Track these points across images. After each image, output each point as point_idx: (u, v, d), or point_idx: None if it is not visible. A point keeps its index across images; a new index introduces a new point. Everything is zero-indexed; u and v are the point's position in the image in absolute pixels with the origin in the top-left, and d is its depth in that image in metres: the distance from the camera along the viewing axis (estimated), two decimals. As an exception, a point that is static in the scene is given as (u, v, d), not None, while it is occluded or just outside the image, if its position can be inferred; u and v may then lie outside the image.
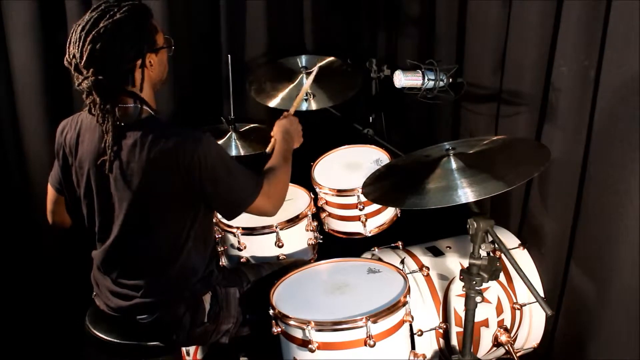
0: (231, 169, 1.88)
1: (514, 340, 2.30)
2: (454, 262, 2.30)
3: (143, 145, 1.79)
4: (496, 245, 1.88)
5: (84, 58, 1.75)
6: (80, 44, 1.75)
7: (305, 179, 2.52)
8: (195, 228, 1.92)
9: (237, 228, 2.31)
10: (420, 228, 2.58)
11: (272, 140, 2.24)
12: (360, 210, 2.35)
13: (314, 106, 2.62)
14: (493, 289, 2.24)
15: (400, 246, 2.42)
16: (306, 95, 2.59)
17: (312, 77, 2.45)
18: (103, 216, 1.91)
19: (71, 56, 1.79)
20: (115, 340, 2.00)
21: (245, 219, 2.31)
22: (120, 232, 1.89)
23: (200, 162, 1.79)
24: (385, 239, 2.45)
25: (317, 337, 1.83)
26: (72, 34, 1.79)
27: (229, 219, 2.05)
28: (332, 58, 2.81)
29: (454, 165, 1.86)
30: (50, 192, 2.08)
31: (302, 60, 2.81)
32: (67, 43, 1.80)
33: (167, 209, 1.86)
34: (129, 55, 1.79)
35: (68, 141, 1.93)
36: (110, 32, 1.74)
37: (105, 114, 1.79)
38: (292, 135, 2.23)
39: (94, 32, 1.74)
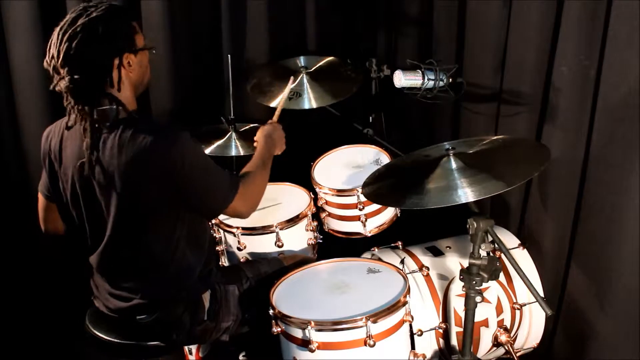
0: (208, 169, 1.86)
1: (514, 340, 2.30)
2: (454, 262, 2.30)
3: (120, 147, 1.78)
4: (496, 245, 1.87)
5: (61, 57, 1.74)
6: (58, 43, 1.76)
7: (305, 179, 2.52)
8: (186, 227, 1.91)
9: (237, 228, 2.31)
10: (420, 228, 2.58)
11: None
12: (360, 210, 2.35)
13: (314, 105, 2.62)
14: (493, 289, 2.24)
15: (400, 246, 2.42)
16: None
17: (289, 86, 2.42)
18: (92, 221, 1.91)
19: (50, 57, 1.78)
20: (116, 340, 2.00)
21: (245, 219, 2.31)
22: (111, 235, 1.89)
23: (176, 161, 1.77)
24: (385, 239, 2.46)
25: (317, 337, 1.83)
26: (53, 35, 1.79)
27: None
28: (331, 58, 2.81)
29: (454, 165, 1.86)
30: (40, 199, 2.07)
31: (302, 60, 2.81)
32: (48, 45, 1.80)
33: (153, 210, 1.85)
34: (104, 53, 1.78)
35: (53, 147, 1.92)
36: (85, 30, 1.75)
37: (82, 115, 1.78)
38: (274, 142, 2.20)
39: (70, 31, 1.75)
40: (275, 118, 2.33)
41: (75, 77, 1.74)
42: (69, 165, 1.88)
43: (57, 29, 1.78)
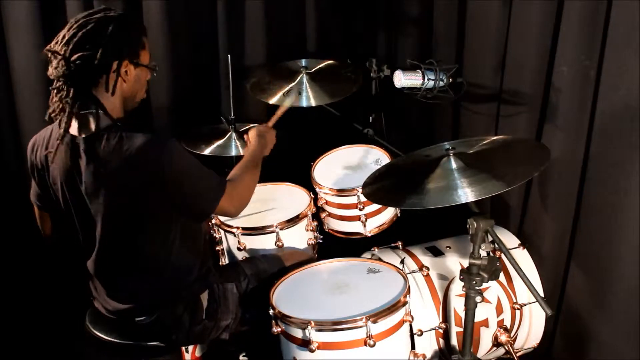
0: (195, 173, 1.86)
1: (514, 340, 2.30)
2: (454, 262, 2.30)
3: (107, 155, 1.77)
4: (496, 245, 1.87)
5: (65, 40, 1.76)
6: (67, 28, 1.78)
7: (305, 179, 2.52)
8: (180, 228, 1.91)
9: (237, 228, 2.31)
10: (420, 228, 2.58)
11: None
12: (360, 210, 2.35)
13: (312, 103, 2.61)
14: (493, 289, 2.24)
15: (400, 246, 2.42)
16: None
17: (290, 98, 2.47)
18: (85, 227, 1.91)
19: (55, 41, 1.79)
20: (115, 340, 2.00)
21: (245, 219, 2.31)
22: (103, 239, 1.89)
23: (164, 166, 1.77)
24: (385, 239, 2.45)
25: (317, 337, 1.83)
26: (68, 24, 1.80)
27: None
28: (331, 61, 2.81)
29: (454, 165, 1.85)
30: (35, 209, 2.09)
31: (302, 61, 2.81)
32: (58, 33, 1.80)
33: (144, 214, 1.85)
34: (105, 51, 1.78)
35: (39, 158, 1.91)
36: (98, 24, 1.77)
37: (63, 104, 1.78)
38: (266, 142, 2.21)
39: (82, 21, 1.77)
40: (271, 123, 2.33)
41: (72, 59, 1.74)
42: (57, 174, 1.87)
43: (73, 19, 1.80)
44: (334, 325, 1.83)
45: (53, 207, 1.97)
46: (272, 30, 2.98)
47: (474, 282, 1.89)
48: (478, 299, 1.92)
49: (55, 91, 1.81)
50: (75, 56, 1.74)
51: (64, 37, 1.77)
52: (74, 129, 1.82)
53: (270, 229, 2.31)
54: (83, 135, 1.81)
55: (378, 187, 2.01)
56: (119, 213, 1.84)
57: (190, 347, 2.37)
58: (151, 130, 1.84)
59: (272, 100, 2.62)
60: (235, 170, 2.05)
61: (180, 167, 1.81)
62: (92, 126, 1.80)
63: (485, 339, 2.25)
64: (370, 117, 2.75)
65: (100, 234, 1.87)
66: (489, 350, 2.30)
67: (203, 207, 1.91)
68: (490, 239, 1.87)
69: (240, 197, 2.00)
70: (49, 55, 1.79)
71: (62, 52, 1.75)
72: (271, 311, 1.94)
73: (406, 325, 1.95)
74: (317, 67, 2.76)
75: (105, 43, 1.77)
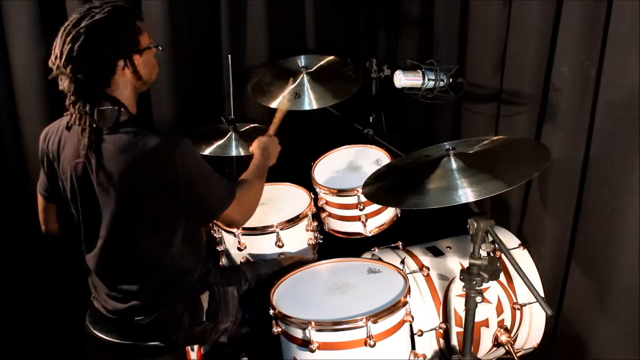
0: (206, 176, 1.87)
1: (514, 340, 2.30)
2: (454, 262, 2.30)
3: (122, 149, 1.78)
4: (496, 245, 1.87)
5: (64, 57, 1.75)
6: (61, 43, 1.77)
7: (305, 179, 2.52)
8: (182, 228, 1.92)
9: (238, 228, 2.30)
10: (420, 228, 2.58)
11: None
12: (361, 210, 2.35)
13: (314, 106, 2.62)
14: (493, 289, 2.24)
15: (400, 246, 2.42)
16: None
17: (287, 100, 2.47)
18: (90, 221, 1.91)
19: (54, 57, 1.79)
20: (116, 341, 2.00)
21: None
22: (108, 236, 1.89)
23: (177, 165, 1.78)
24: (385, 239, 2.45)
25: (317, 337, 1.84)
26: (58, 36, 1.79)
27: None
28: (332, 57, 2.81)
29: (454, 165, 1.86)
30: (40, 200, 2.08)
31: (302, 60, 2.81)
32: (54, 45, 1.80)
33: (151, 212, 1.85)
34: (108, 55, 1.79)
35: (51, 147, 1.92)
36: (89, 32, 1.75)
37: (82, 115, 1.78)
38: (270, 153, 2.23)
39: (74, 32, 1.75)
40: (271, 130, 2.34)
41: (78, 76, 1.75)
42: (67, 164, 1.88)
43: (62, 29, 1.79)
44: (334, 325, 1.83)
45: (60, 199, 1.97)
46: (272, 30, 2.98)
47: (474, 282, 1.89)
48: (478, 299, 1.92)
49: (70, 105, 1.80)
50: (78, 72, 1.75)
51: (61, 53, 1.76)
52: None
53: (271, 229, 2.31)
54: (100, 128, 1.81)
55: (378, 187, 2.01)
56: (128, 209, 1.84)
57: (195, 345, 2.37)
58: (165, 129, 1.84)
59: (273, 104, 2.62)
60: (242, 180, 2.06)
61: (192, 167, 1.82)
62: (110, 121, 1.81)
63: (486, 339, 2.25)
64: (371, 117, 2.75)
65: (107, 229, 1.88)
66: (489, 351, 2.30)
67: (211, 209, 1.92)
68: (491, 239, 1.87)
69: (247, 205, 2.02)
70: (54, 70, 1.79)
71: (65, 72, 1.75)
72: (271, 311, 1.94)
73: (406, 326, 1.95)
74: (318, 65, 2.76)
75: (103, 50, 1.77)
